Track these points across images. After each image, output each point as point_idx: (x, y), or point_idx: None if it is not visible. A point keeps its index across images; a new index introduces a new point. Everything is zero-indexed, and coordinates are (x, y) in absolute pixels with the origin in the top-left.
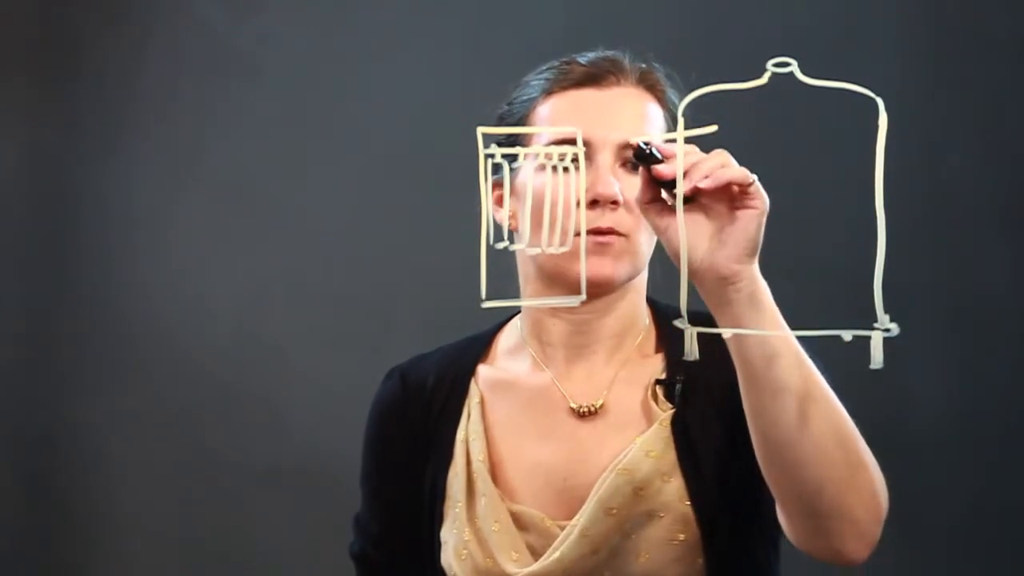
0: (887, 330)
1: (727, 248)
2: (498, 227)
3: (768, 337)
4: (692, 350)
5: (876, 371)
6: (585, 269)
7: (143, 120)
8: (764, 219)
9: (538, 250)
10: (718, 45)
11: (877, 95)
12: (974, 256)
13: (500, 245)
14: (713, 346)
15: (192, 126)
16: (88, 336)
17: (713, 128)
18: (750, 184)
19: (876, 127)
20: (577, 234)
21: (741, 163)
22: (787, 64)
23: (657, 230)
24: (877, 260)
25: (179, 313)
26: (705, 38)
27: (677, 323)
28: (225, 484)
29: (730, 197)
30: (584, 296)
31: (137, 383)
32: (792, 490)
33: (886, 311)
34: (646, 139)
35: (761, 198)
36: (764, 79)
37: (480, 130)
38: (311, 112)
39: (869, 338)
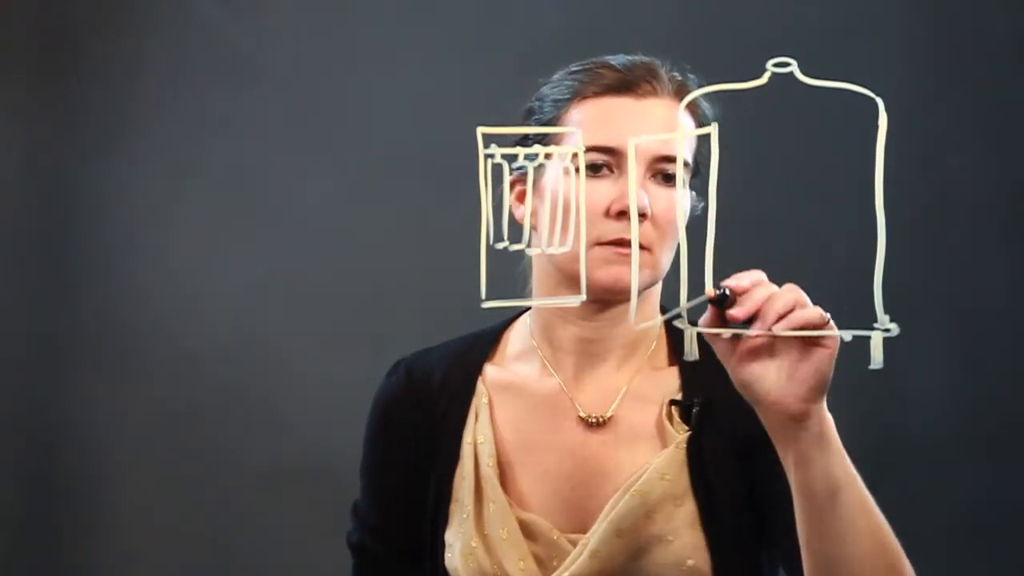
0: (887, 330)
1: (796, 386)
2: (498, 227)
3: (832, 471)
4: (692, 350)
5: (876, 371)
6: (586, 274)
7: (143, 120)
8: (835, 357)
9: (539, 250)
10: (718, 45)
11: (877, 95)
12: (974, 256)
13: (500, 245)
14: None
15: (192, 126)
16: (88, 336)
17: (712, 128)
18: (824, 324)
19: (876, 127)
20: (600, 244)
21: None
22: (787, 64)
23: (724, 362)
24: (877, 260)
25: (179, 313)
26: (705, 38)
27: (677, 323)
28: (225, 483)
29: (802, 337)
30: (584, 296)
31: (137, 383)
32: None
33: (886, 311)
34: (721, 284)
35: (834, 337)
36: (764, 79)
37: (480, 130)
38: (311, 112)
39: (869, 338)
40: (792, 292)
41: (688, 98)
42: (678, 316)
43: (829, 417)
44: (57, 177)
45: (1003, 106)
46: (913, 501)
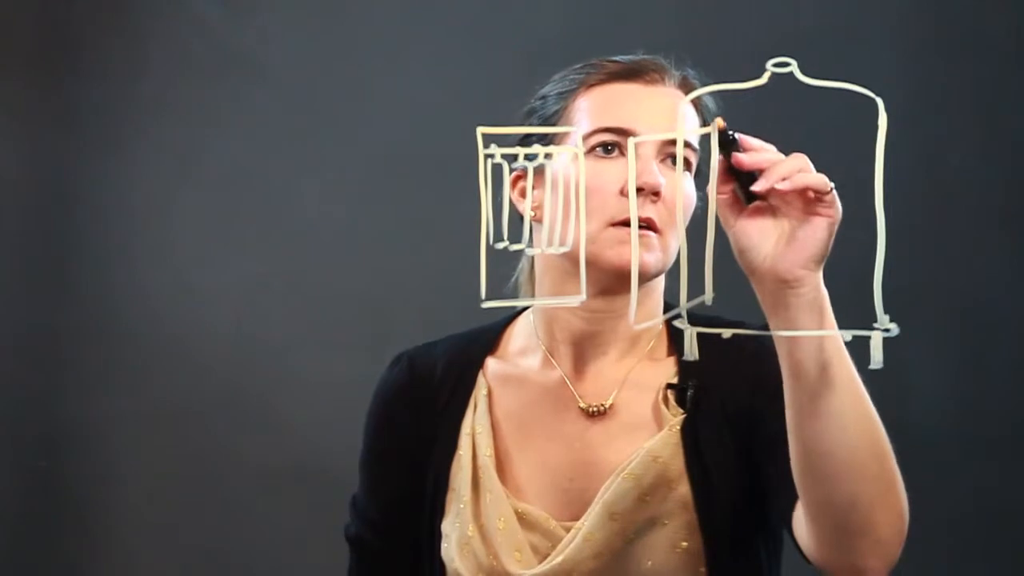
0: (887, 330)
1: (793, 252)
2: (498, 227)
3: (823, 345)
4: (692, 350)
5: (876, 371)
6: (597, 255)
7: (143, 120)
8: (835, 229)
9: (539, 250)
10: (718, 45)
11: (877, 95)
12: (974, 256)
13: (500, 245)
14: (731, 355)
15: (192, 126)
16: (88, 336)
17: (712, 128)
18: (827, 192)
19: (876, 127)
20: (614, 224)
21: None
22: (787, 64)
23: (725, 223)
24: (877, 260)
25: (179, 313)
26: (705, 38)
27: (677, 323)
28: (224, 484)
29: (804, 202)
30: (584, 296)
31: (137, 383)
32: (824, 502)
33: (886, 311)
34: (732, 131)
35: (835, 207)
36: (764, 79)
37: (480, 130)
38: (311, 111)
39: (869, 338)
40: (799, 158)
41: (688, 97)
42: (678, 316)
43: (825, 291)
44: (57, 177)
45: (1003, 106)
46: (913, 501)
